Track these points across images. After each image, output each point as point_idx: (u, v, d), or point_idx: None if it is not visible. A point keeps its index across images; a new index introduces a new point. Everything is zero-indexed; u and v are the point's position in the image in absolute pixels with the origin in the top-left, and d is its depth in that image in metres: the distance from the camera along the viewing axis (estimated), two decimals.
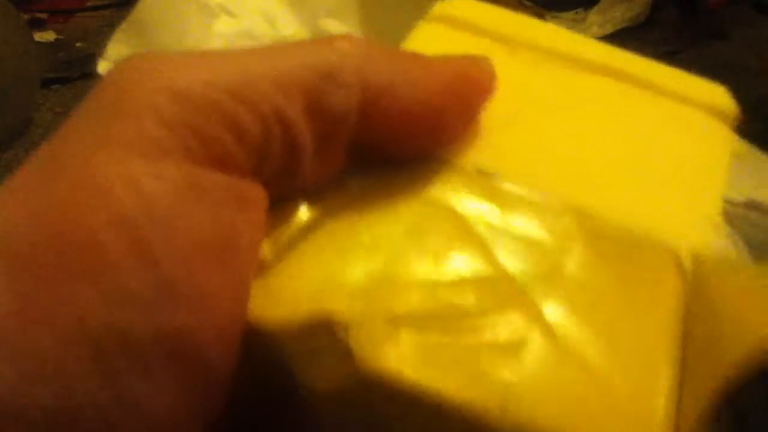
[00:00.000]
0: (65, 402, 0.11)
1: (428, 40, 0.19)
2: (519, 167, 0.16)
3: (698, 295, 0.15)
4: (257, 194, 0.14)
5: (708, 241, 0.16)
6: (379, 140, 0.15)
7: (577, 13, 0.74)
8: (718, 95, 0.19)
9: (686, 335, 0.14)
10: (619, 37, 0.68)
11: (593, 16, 0.72)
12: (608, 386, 0.13)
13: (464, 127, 0.16)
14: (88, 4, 0.75)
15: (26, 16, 0.66)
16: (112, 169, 0.12)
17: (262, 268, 0.14)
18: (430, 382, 0.12)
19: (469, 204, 0.15)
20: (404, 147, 0.16)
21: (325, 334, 0.13)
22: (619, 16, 0.70)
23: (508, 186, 0.16)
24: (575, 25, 0.71)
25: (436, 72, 0.15)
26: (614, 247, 0.15)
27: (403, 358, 0.12)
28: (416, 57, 0.16)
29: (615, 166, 0.17)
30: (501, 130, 0.17)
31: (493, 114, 0.17)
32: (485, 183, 0.16)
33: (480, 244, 0.15)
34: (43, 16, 0.74)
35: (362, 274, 0.14)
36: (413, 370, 0.12)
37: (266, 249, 0.14)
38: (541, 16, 0.75)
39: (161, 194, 0.12)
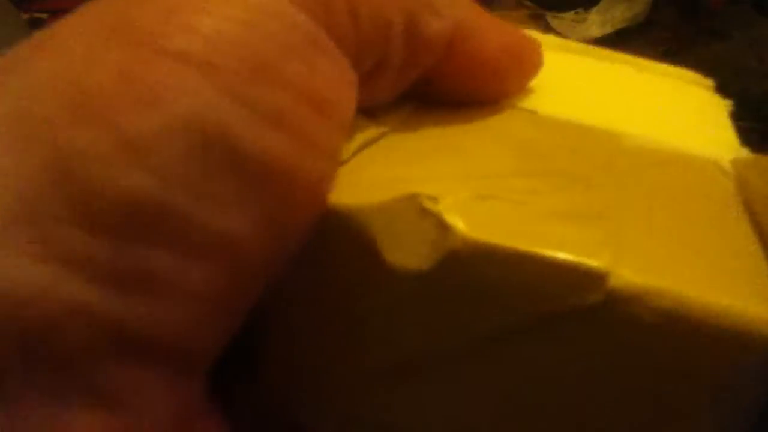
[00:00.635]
0: (159, 188, 0.11)
1: None
2: (557, 109, 0.18)
3: (750, 190, 0.15)
4: (354, 77, 0.14)
5: (737, 155, 0.17)
6: (448, 78, 0.16)
7: (577, 13, 0.74)
8: (692, 74, 0.22)
9: (754, 220, 0.14)
10: (619, 37, 0.69)
11: (593, 16, 0.72)
12: (704, 254, 0.13)
13: (518, 89, 0.18)
14: None
15: (26, 16, 0.66)
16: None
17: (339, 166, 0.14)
18: (534, 247, 0.12)
19: (522, 127, 0.16)
20: (466, 91, 0.17)
21: (413, 211, 0.12)
22: (619, 16, 0.70)
23: (550, 116, 0.17)
24: (575, 25, 0.72)
25: (508, 32, 0.17)
26: (658, 154, 0.16)
27: (496, 226, 0.12)
28: (491, 15, 0.17)
29: (639, 110, 0.19)
30: (540, 87, 0.18)
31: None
32: (534, 116, 0.17)
33: (535, 152, 0.15)
34: (43, 16, 0.74)
35: (435, 169, 0.14)
36: (509, 236, 0.12)
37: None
38: (541, 16, 0.76)
39: (282, 29, 0.12)
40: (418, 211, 0.12)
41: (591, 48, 0.22)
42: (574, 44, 0.22)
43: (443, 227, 0.12)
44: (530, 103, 0.18)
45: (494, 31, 0.16)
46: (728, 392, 0.12)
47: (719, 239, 0.13)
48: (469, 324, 0.13)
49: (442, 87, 0.16)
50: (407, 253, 0.12)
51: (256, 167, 0.11)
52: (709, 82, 0.22)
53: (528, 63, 0.17)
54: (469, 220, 0.12)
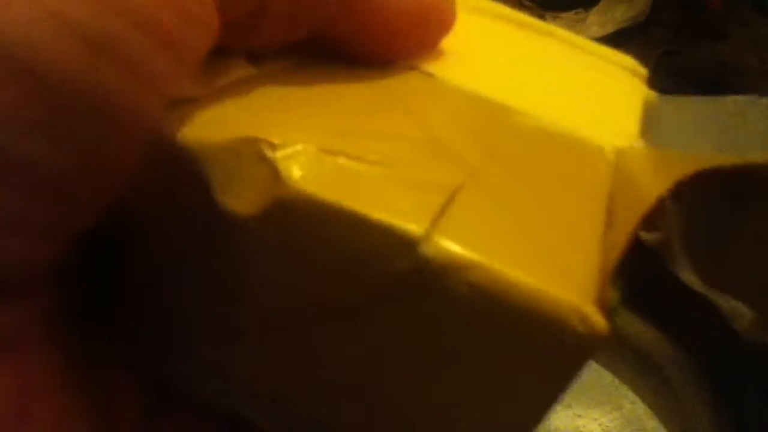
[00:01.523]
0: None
1: None
2: (457, 76, 0.17)
3: (620, 180, 0.15)
4: (211, 14, 0.13)
5: (629, 144, 0.17)
6: (344, 34, 0.15)
7: (577, 13, 0.74)
8: (629, 60, 0.21)
9: (609, 210, 0.14)
10: (619, 37, 0.69)
11: (593, 16, 0.72)
12: (539, 237, 0.12)
13: (420, 52, 0.17)
14: None
15: None
16: None
17: (190, 102, 0.13)
18: (358, 206, 0.12)
19: (410, 89, 0.16)
20: (362, 49, 0.16)
21: (250, 154, 0.12)
22: (619, 16, 0.70)
23: (446, 82, 0.17)
24: (575, 25, 0.72)
25: None
26: (543, 135, 0.16)
27: (331, 181, 0.12)
28: None
29: (543, 88, 0.18)
30: (447, 50, 0.18)
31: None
32: (429, 79, 0.17)
33: (416, 115, 0.15)
34: None
35: (293, 120, 0.13)
36: (341, 192, 0.12)
37: (197, 86, 0.14)
38: (541, 16, 0.76)
39: None
40: (256, 155, 0.12)
41: (528, 19, 0.21)
42: (508, 11, 0.21)
43: (275, 174, 0.12)
44: (430, 65, 0.17)
45: None
46: (529, 373, 0.12)
47: (563, 225, 0.13)
48: (304, 280, 0.12)
49: (337, 42, 0.16)
50: (238, 196, 0.12)
51: (70, 92, 0.11)
52: (643, 71, 0.21)
53: (434, 26, 0.17)
54: (304, 172, 0.12)
